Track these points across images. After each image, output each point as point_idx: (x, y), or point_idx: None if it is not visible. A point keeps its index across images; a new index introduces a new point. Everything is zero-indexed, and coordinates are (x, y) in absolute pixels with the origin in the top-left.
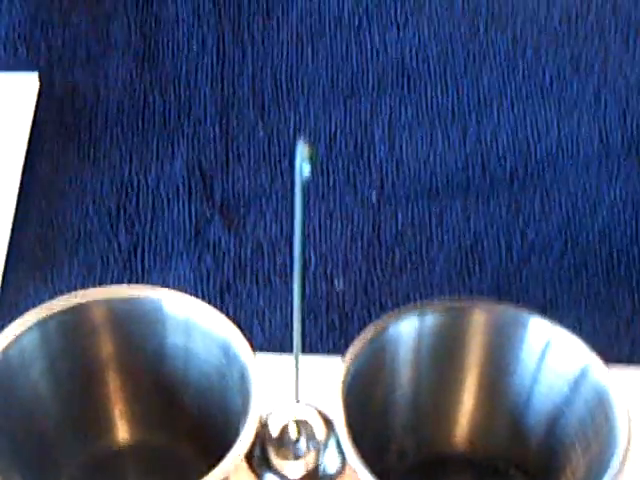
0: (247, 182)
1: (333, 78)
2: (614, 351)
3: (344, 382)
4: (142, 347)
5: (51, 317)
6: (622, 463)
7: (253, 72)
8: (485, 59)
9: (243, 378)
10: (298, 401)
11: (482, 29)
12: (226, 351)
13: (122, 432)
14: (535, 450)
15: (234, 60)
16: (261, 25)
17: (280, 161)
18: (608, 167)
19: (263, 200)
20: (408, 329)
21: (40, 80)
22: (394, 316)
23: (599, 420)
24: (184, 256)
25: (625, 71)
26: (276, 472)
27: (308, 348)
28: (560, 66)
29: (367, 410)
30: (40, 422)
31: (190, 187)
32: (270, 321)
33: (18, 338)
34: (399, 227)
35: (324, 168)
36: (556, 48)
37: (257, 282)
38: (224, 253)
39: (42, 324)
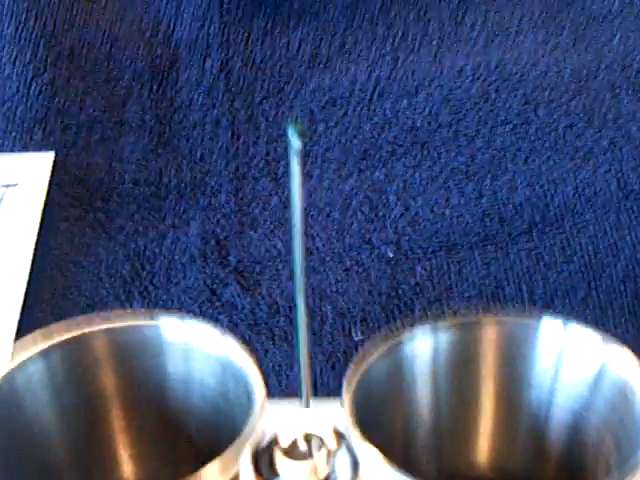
0: (262, 247)
1: (346, 149)
2: None
3: (353, 394)
4: (144, 379)
5: (54, 347)
6: None
7: (267, 147)
8: (497, 120)
9: (248, 394)
10: (308, 406)
11: (493, 92)
12: (228, 368)
13: (127, 468)
14: (557, 462)
15: (248, 137)
16: (274, 104)
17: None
18: (627, 210)
19: (278, 262)
20: (422, 346)
21: (55, 159)
22: (405, 333)
23: (623, 417)
24: (200, 319)
25: (639, 120)
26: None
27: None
28: (573, 120)
29: (379, 428)
30: (44, 454)
31: (205, 254)
32: (288, 376)
33: (24, 364)
34: (417, 280)
35: (339, 230)
36: (568, 104)
37: (273, 340)
38: (240, 313)
39: (46, 353)
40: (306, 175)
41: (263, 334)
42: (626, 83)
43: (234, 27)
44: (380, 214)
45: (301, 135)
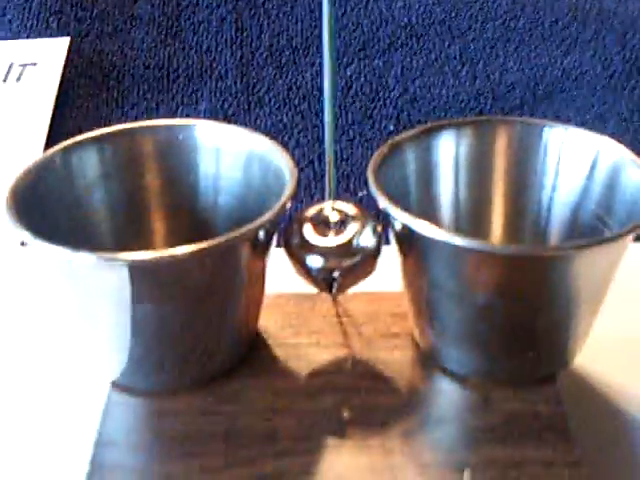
0: (269, 121)
1: (345, 41)
2: None
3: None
4: (179, 175)
5: (106, 135)
6: None
7: (270, 40)
8: (487, 16)
9: (278, 179)
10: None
11: None
12: (257, 162)
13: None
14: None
15: (252, 31)
16: (276, 4)
17: (299, 104)
18: (612, 87)
19: (285, 134)
20: (446, 141)
21: (70, 44)
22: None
23: (620, 190)
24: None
25: (621, 15)
26: (313, 247)
27: None
28: (558, 15)
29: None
30: (90, 228)
31: None
32: None
33: (77, 145)
34: None
35: (343, 108)
36: (552, 3)
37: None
38: None
39: (97, 140)
40: (309, 62)
41: None
42: None
43: None
44: (380, 94)
45: None
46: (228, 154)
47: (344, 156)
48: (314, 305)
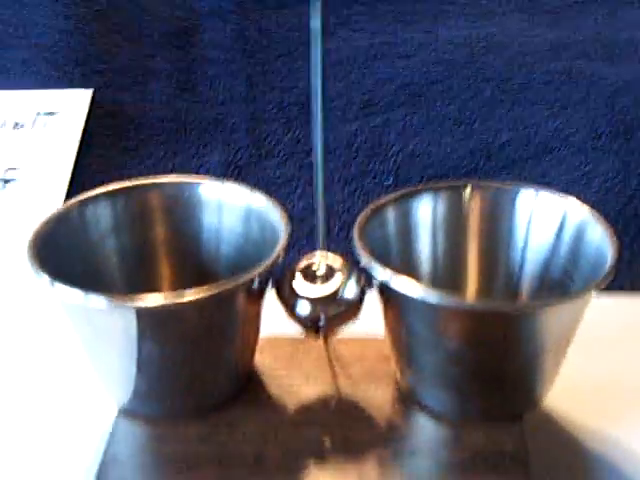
0: (277, 172)
1: (349, 99)
2: None
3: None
4: (184, 229)
5: (118, 191)
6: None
7: (281, 96)
8: (483, 77)
9: (273, 233)
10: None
11: (480, 55)
12: (254, 217)
13: None
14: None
15: (263, 87)
16: (286, 62)
17: (305, 157)
18: (598, 148)
19: (291, 184)
20: (424, 202)
21: (93, 98)
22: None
23: (585, 247)
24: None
25: (610, 78)
26: (301, 297)
27: None
28: (551, 78)
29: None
30: (102, 277)
31: (226, 176)
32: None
33: (91, 199)
34: None
35: (345, 162)
36: (547, 65)
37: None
38: None
39: (110, 195)
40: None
41: None
42: (599, 51)
43: (249, 1)
44: (380, 150)
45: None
46: (229, 210)
47: (345, 207)
48: (307, 347)
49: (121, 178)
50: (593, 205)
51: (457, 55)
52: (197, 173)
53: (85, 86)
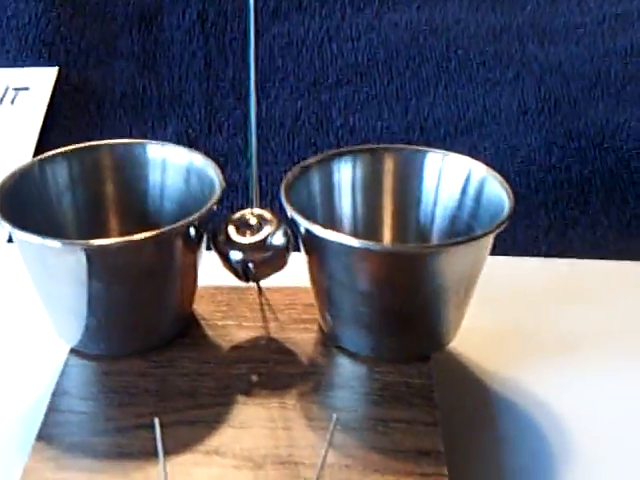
0: (226, 145)
1: (298, 78)
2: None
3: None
4: (132, 185)
5: (74, 150)
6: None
7: (234, 73)
8: (423, 58)
9: (211, 187)
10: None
11: (421, 38)
12: (194, 173)
13: None
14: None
15: (218, 67)
16: (241, 42)
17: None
18: (525, 122)
19: (239, 156)
20: (345, 164)
21: (59, 73)
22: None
23: (487, 201)
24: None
25: (540, 59)
26: (233, 244)
27: None
28: (485, 59)
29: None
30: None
31: None
32: None
33: (51, 158)
34: None
35: (289, 135)
36: (483, 48)
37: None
38: None
39: (66, 155)
40: (264, 95)
41: (224, 206)
42: (532, 36)
43: None
44: (324, 125)
45: None
46: (171, 168)
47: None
48: (243, 296)
49: None
50: (518, 174)
51: (400, 38)
52: None
53: (53, 65)
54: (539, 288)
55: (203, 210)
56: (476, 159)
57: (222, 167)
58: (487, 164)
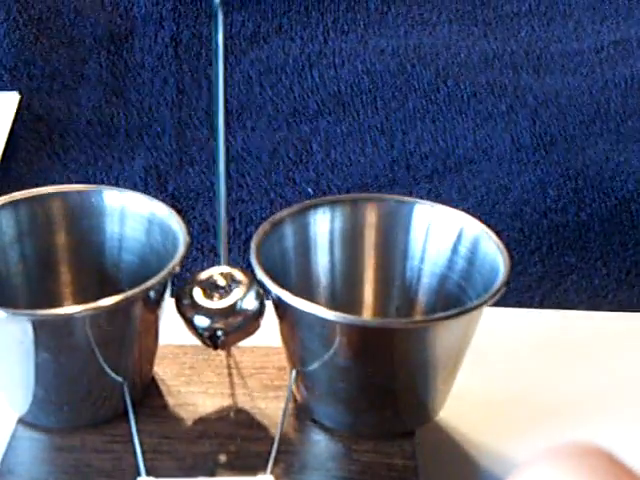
0: (197, 180)
1: (277, 107)
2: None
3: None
4: (87, 236)
5: (20, 201)
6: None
7: (208, 102)
8: (410, 88)
9: (174, 242)
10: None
11: (409, 67)
12: (156, 225)
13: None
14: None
15: (192, 94)
16: None
17: (228, 166)
18: (518, 160)
19: (211, 192)
20: (322, 216)
21: (20, 100)
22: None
23: (480, 262)
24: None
25: (535, 90)
26: (200, 309)
27: None
28: (477, 89)
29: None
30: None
31: (147, 183)
32: None
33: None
34: None
35: (266, 170)
36: (474, 77)
37: (202, 252)
38: None
39: (13, 205)
40: (240, 125)
41: (194, 248)
42: (527, 64)
43: (184, 7)
44: (304, 159)
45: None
46: (131, 218)
47: (264, 215)
48: (208, 357)
49: (45, 183)
50: (509, 216)
51: (386, 65)
52: (118, 178)
53: (14, 90)
54: (532, 344)
55: (163, 272)
56: (466, 199)
57: (193, 204)
58: (478, 205)
